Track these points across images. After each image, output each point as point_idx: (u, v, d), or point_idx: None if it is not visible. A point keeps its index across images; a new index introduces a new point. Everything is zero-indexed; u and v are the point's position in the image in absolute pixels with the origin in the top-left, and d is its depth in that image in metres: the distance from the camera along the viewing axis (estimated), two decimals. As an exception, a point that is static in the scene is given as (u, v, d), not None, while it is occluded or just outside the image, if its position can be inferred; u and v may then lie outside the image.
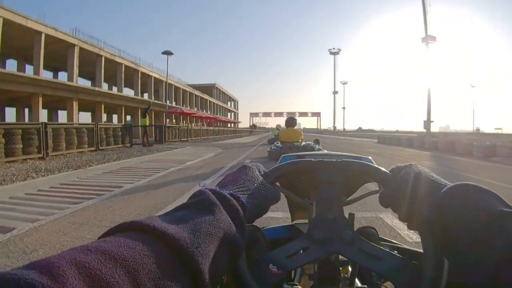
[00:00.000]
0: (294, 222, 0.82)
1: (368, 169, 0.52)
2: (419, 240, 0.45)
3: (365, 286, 0.59)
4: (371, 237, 0.61)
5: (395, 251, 0.70)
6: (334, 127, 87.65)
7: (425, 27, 30.78)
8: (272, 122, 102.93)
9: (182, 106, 42.43)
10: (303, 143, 7.60)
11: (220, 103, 68.81)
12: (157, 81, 36.98)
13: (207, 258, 0.31)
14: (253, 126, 79.17)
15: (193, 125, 36.66)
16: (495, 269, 0.30)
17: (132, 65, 31.80)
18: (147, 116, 15.47)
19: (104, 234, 0.29)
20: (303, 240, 0.49)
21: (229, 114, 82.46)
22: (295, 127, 7.95)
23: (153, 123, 26.65)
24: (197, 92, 52.22)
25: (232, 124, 72.33)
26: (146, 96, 36.40)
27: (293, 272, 0.68)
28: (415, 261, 0.46)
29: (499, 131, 66.50)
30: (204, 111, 54.95)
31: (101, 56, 26.59)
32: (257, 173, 0.50)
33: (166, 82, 31.11)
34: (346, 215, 0.52)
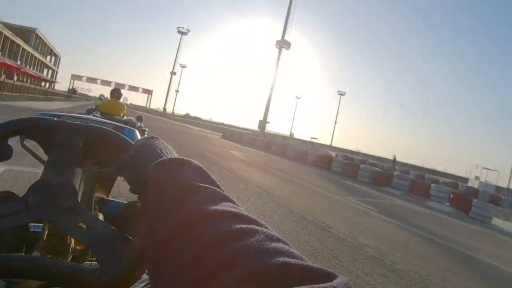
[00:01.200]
0: None
1: (109, 136, 0.50)
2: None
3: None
4: (138, 212, 0.61)
5: None
6: (165, 108, 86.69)
7: (283, 31, 31.87)
8: (97, 91, 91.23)
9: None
10: (125, 117, 7.18)
11: (37, 55, 55.45)
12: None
13: None
14: (73, 91, 66.83)
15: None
16: (164, 244, 0.30)
17: None
18: None
19: None
20: (16, 204, 0.44)
21: (46, 70, 67.19)
22: (121, 100, 7.39)
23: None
24: (8, 33, 41.07)
25: (47, 84, 60.67)
26: None
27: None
28: None
29: (315, 140, 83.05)
30: (15, 60, 43.95)
31: None
32: None
33: None
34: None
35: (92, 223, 0.45)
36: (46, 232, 0.51)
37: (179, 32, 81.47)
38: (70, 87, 75.74)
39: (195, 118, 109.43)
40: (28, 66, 49.17)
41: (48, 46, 63.77)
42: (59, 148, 0.48)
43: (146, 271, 0.45)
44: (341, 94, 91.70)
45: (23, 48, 47.40)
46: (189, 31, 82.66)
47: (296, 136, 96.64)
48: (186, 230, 0.29)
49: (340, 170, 17.40)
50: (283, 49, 34.41)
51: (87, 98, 73.50)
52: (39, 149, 0.55)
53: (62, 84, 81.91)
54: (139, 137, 0.48)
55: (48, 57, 66.86)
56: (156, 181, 0.36)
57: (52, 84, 65.85)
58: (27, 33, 50.02)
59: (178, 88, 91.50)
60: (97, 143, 0.50)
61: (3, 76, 30.78)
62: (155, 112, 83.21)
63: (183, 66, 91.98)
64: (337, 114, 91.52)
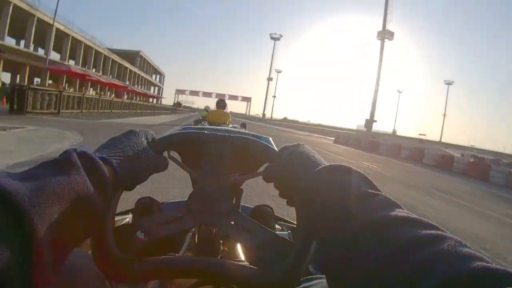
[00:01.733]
0: None
1: (256, 146, 0.52)
2: None
3: (244, 260, 0.63)
4: (265, 215, 0.70)
5: (289, 231, 0.80)
6: (264, 114, 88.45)
7: (384, 20, 28.66)
8: (199, 102, 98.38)
9: (99, 72, 37.00)
10: (230, 125, 6.96)
11: (143, 74, 62.08)
12: (63, 36, 29.85)
13: (47, 219, 0.29)
14: (178, 104, 73.70)
15: (93, 92, 30.91)
16: (347, 249, 0.30)
17: (25, 6, 23.98)
18: None
19: None
20: (179, 210, 0.49)
21: (152, 88, 75.37)
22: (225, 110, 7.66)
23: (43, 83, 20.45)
24: (115, 57, 45.92)
25: (154, 100, 67.28)
26: (42, 52, 30.48)
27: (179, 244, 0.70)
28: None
29: (423, 137, 73.36)
30: (123, 81, 49.12)
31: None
32: (142, 139, 0.48)
33: (53, 25, 25.05)
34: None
35: (250, 226, 0.48)
36: (197, 234, 0.58)
37: (271, 38, 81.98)
38: (175, 101, 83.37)
39: (293, 121, 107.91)
40: (135, 85, 54.95)
41: (152, 66, 71.37)
42: (210, 159, 0.52)
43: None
44: (448, 83, 75.84)
45: (130, 70, 53.31)
46: (281, 36, 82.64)
47: (399, 133, 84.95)
48: (372, 235, 0.29)
49: (503, 181, 12.86)
50: (387, 39, 29.87)
51: (191, 109, 79.84)
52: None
53: (167, 99, 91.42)
54: (273, 144, 0.53)
55: (154, 76, 74.88)
56: (323, 187, 0.37)
57: (159, 100, 73.19)
58: (131, 56, 56.43)
59: (275, 93, 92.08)
60: (241, 152, 0.54)
61: (112, 96, 34.01)
62: (254, 118, 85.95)
63: (278, 72, 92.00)
64: (445, 106, 75.65)
